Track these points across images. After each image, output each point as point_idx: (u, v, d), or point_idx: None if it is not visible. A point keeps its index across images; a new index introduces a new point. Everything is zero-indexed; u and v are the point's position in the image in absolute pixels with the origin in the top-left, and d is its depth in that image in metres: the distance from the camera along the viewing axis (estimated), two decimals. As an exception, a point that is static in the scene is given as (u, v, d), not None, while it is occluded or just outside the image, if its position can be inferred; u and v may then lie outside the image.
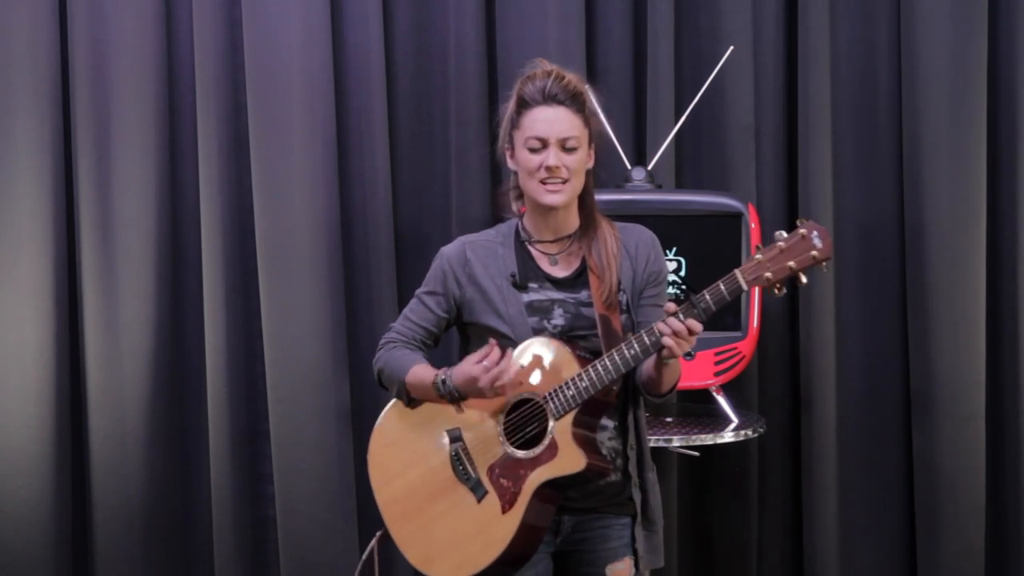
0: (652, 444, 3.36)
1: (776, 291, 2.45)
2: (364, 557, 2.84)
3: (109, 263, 3.97)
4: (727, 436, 3.55)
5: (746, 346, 3.63)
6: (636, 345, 2.51)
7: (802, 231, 2.42)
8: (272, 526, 4.02)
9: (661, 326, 2.47)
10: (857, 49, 4.09)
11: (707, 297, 2.46)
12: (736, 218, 3.61)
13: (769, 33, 4.08)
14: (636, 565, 2.69)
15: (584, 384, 2.53)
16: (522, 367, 2.59)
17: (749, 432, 3.60)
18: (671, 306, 2.48)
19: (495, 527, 2.59)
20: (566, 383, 2.55)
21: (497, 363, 2.52)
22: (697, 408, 3.85)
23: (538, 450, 2.57)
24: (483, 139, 3.99)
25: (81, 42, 3.95)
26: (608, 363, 2.52)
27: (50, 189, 3.94)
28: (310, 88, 3.95)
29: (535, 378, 2.58)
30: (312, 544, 3.95)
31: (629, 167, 3.75)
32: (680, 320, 2.45)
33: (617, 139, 3.73)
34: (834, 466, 4.04)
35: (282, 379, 3.96)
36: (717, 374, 3.63)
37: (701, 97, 3.82)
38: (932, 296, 4.00)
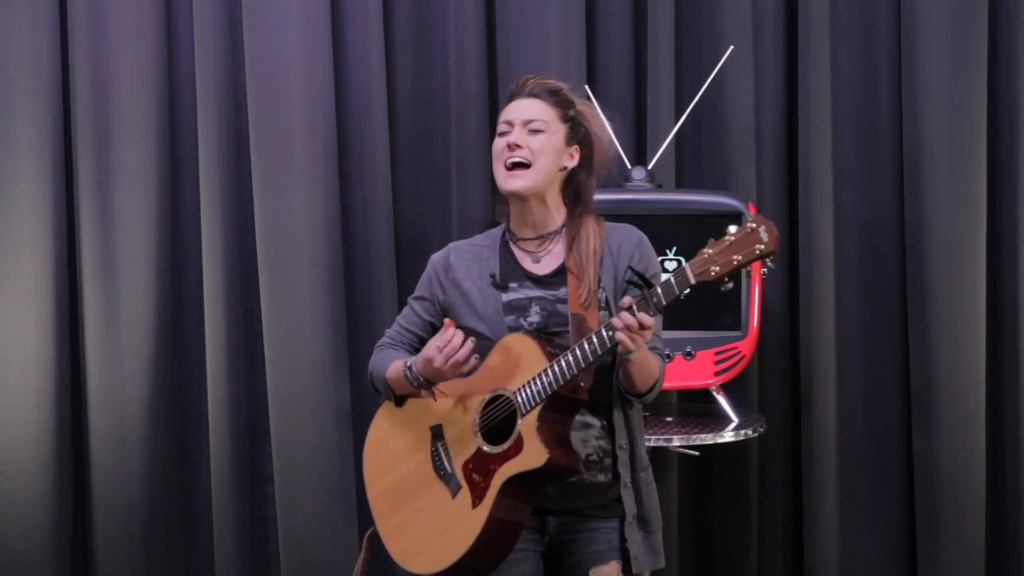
0: (652, 444, 3.38)
1: (724, 285, 2.46)
2: (360, 558, 2.85)
3: (109, 263, 3.98)
4: (727, 436, 3.55)
5: (746, 346, 3.63)
6: (595, 340, 2.52)
7: (751, 225, 2.44)
8: (272, 526, 4.03)
9: (614, 320, 2.48)
10: (857, 49, 4.09)
11: (659, 291, 2.47)
12: (736, 217, 3.61)
13: (769, 33, 4.08)
14: (629, 568, 2.67)
15: (548, 379, 2.54)
16: (497, 363, 2.62)
17: (749, 432, 3.60)
18: (625, 300, 2.49)
19: (465, 522, 2.60)
20: (533, 379, 2.56)
21: (451, 343, 2.56)
22: (697, 408, 3.85)
23: (506, 445, 2.58)
24: (483, 139, 3.99)
25: (81, 42, 3.95)
26: (570, 358, 2.53)
27: (50, 189, 3.94)
28: (310, 88, 3.95)
29: (508, 373, 2.60)
30: (312, 544, 3.95)
31: (629, 167, 3.75)
32: (632, 314, 2.47)
33: (617, 139, 3.72)
34: (834, 466, 4.04)
35: (282, 379, 3.96)
36: (717, 373, 3.63)
37: (701, 97, 3.83)
38: (932, 296, 4.00)
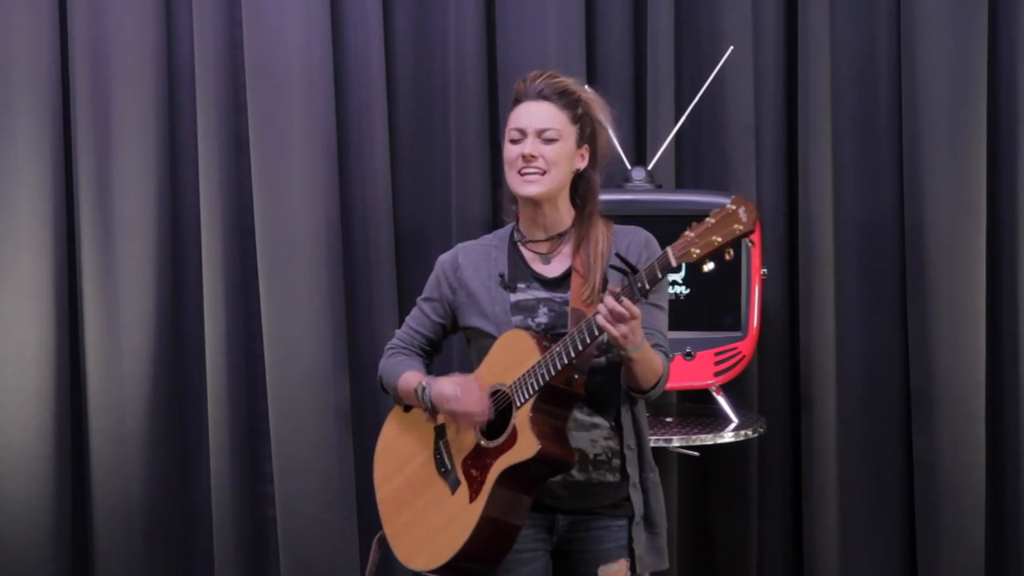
0: (652, 444, 3.36)
1: (704, 267, 2.44)
2: (371, 560, 2.85)
3: (109, 263, 3.97)
4: (727, 436, 3.55)
5: (746, 346, 3.63)
6: (584, 328, 2.51)
7: (730, 207, 2.42)
8: (272, 526, 4.03)
9: (600, 306, 2.46)
10: (857, 49, 4.09)
11: (643, 276, 2.45)
12: (736, 218, 3.61)
13: (769, 33, 4.08)
14: (633, 567, 2.68)
15: (540, 371, 2.54)
16: (496, 359, 2.63)
17: (749, 432, 3.60)
18: (611, 289, 2.48)
19: (463, 516, 2.61)
20: (528, 372, 2.57)
21: (471, 399, 2.58)
22: (697, 408, 3.85)
23: (501, 439, 2.59)
24: (483, 139, 4.00)
25: (81, 42, 3.95)
26: (560, 348, 2.53)
27: (50, 189, 3.94)
28: (310, 88, 3.95)
29: (506, 369, 2.61)
30: (312, 544, 3.95)
31: (629, 167, 3.75)
32: (617, 300, 2.45)
33: (617, 139, 3.72)
34: (834, 466, 4.04)
35: (282, 379, 3.96)
36: (717, 374, 3.63)
37: (701, 97, 3.83)
38: (932, 296, 4.00)
